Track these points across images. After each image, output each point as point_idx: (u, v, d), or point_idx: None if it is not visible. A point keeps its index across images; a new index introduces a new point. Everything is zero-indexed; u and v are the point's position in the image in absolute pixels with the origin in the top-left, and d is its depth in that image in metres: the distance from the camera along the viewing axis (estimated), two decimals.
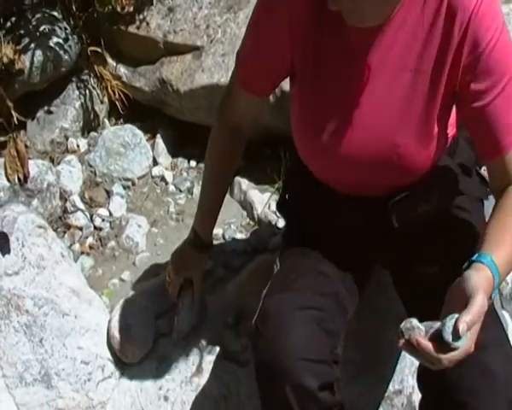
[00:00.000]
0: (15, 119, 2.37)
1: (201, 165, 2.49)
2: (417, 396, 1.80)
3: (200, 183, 2.37)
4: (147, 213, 2.36)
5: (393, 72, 1.39)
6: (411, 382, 1.81)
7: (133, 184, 2.46)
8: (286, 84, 1.78)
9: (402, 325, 1.17)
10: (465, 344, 1.15)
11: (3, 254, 1.94)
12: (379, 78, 1.40)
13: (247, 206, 2.32)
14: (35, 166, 2.31)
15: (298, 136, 1.55)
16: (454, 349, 1.14)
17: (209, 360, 1.88)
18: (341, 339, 1.50)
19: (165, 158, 2.53)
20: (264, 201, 2.31)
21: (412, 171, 1.47)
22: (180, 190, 2.43)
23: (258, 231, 2.19)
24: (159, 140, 2.55)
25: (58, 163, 2.47)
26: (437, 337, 1.14)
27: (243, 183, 2.37)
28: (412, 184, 1.50)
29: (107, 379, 1.89)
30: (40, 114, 2.59)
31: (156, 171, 2.49)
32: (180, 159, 2.53)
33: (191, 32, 2.53)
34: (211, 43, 2.49)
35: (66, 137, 2.57)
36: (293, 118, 1.54)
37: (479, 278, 1.20)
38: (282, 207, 1.85)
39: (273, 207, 2.27)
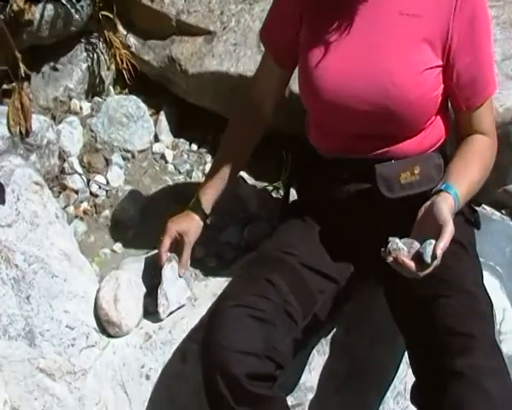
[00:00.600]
0: (22, 71, 2.31)
1: (202, 150, 2.48)
2: None
3: (200, 167, 2.40)
4: (144, 189, 2.33)
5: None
6: (392, 405, 1.84)
7: (133, 156, 2.42)
8: (294, 85, 1.83)
9: (389, 245, 1.46)
10: (437, 262, 1.44)
11: None
12: (372, 10, 1.61)
13: (245, 200, 2.31)
14: (36, 122, 2.25)
15: (302, 86, 1.72)
16: (429, 266, 1.45)
17: (194, 347, 1.86)
18: (286, 343, 1.59)
19: (166, 136, 2.50)
20: (262, 197, 2.30)
21: (405, 114, 1.60)
22: (179, 172, 2.40)
23: (253, 228, 2.18)
24: (162, 117, 2.52)
25: (59, 122, 2.42)
26: (417, 257, 1.45)
27: (243, 176, 2.35)
28: (399, 155, 1.66)
29: (91, 348, 1.86)
30: (45, 69, 2.54)
31: (157, 147, 2.46)
32: (182, 140, 2.51)
33: (205, 15, 2.51)
34: (223, 31, 2.47)
35: (70, 98, 2.52)
36: (299, 78, 1.74)
37: (447, 208, 1.48)
38: (283, 208, 1.95)
39: (270, 204, 2.27)
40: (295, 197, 2.00)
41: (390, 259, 1.46)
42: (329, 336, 1.88)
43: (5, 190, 1.91)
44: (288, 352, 1.61)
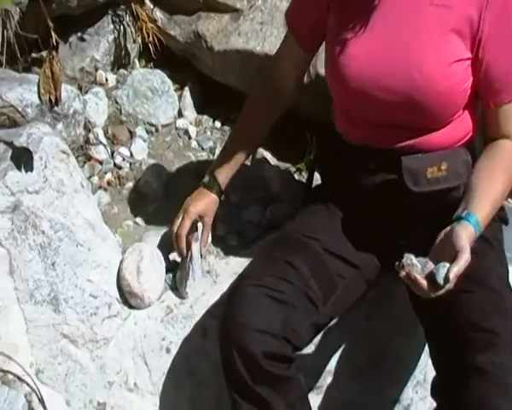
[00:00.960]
0: (54, 39, 2.32)
1: (226, 127, 2.49)
2: (415, 409, 1.86)
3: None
4: (167, 163, 2.34)
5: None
6: (411, 394, 1.86)
7: (157, 130, 2.43)
8: (321, 68, 1.83)
9: (403, 260, 1.46)
10: (450, 286, 1.44)
11: (26, 171, 1.91)
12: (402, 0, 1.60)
13: (267, 180, 2.31)
14: (63, 91, 2.22)
15: (329, 73, 1.72)
16: (441, 288, 1.44)
17: (214, 323, 1.88)
18: (304, 326, 1.60)
19: (190, 112, 2.51)
20: (284, 178, 2.31)
21: (431, 105, 1.59)
22: (202, 148, 2.41)
23: (275, 208, 2.19)
24: (186, 93, 2.52)
25: (85, 92, 2.42)
26: (430, 277, 1.44)
27: (266, 156, 2.36)
28: (426, 148, 1.65)
29: (113, 318, 1.88)
30: (73, 39, 2.54)
31: (181, 123, 2.47)
32: (205, 117, 2.52)
33: None
34: (250, 9, 2.47)
35: (96, 69, 2.52)
36: (326, 65, 1.74)
37: (466, 237, 1.47)
38: (307, 191, 1.96)
39: (292, 186, 2.28)
40: (318, 181, 2.00)
41: (403, 273, 1.46)
42: (349, 323, 1.90)
43: (33, 157, 1.92)
44: (306, 335, 1.62)
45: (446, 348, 1.54)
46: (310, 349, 1.81)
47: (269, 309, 1.56)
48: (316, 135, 2.24)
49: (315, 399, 1.88)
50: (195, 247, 1.87)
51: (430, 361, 1.74)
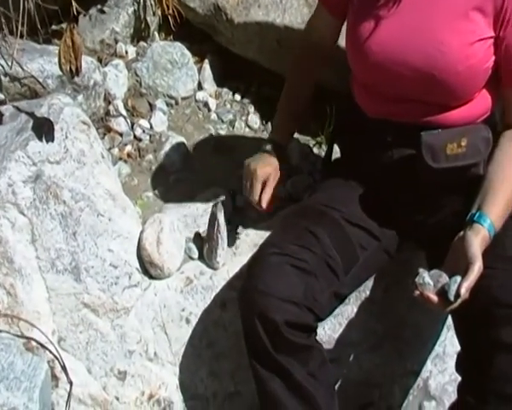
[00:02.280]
0: (74, 9, 2.32)
1: (245, 100, 2.48)
2: (434, 381, 1.87)
3: (243, 117, 2.40)
4: (186, 136, 2.34)
5: None
6: (430, 366, 1.86)
7: (176, 103, 2.43)
8: (341, 40, 1.82)
9: (416, 279, 1.46)
10: (464, 298, 1.43)
11: (47, 141, 1.92)
12: None
13: (287, 153, 2.31)
14: (84, 63, 2.22)
15: (349, 46, 1.70)
16: (453, 303, 1.43)
17: (234, 295, 1.88)
18: (325, 295, 1.59)
19: (210, 85, 2.50)
20: (304, 151, 2.31)
21: (452, 83, 1.57)
22: (222, 121, 2.41)
23: (295, 180, 2.19)
24: (206, 65, 2.52)
25: (105, 64, 2.42)
26: (442, 293, 1.43)
27: None
28: (446, 124, 1.62)
29: (133, 288, 1.89)
30: (93, 11, 2.54)
31: (200, 96, 2.47)
32: (225, 89, 2.51)
33: None
34: None
35: (116, 41, 2.52)
36: (347, 38, 1.72)
37: (478, 243, 1.45)
38: (326, 164, 1.94)
39: (312, 159, 2.28)
40: (338, 154, 2.00)
41: (416, 293, 1.46)
42: (369, 294, 1.90)
43: (54, 127, 1.93)
44: (327, 304, 1.62)
45: (470, 324, 1.53)
46: (329, 320, 1.81)
47: (291, 278, 1.56)
48: (335, 108, 2.23)
49: (334, 370, 1.88)
50: (221, 217, 1.87)
51: (449, 335, 1.75)
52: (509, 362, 1.43)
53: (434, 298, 1.43)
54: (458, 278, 1.42)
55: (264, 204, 1.80)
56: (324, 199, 1.74)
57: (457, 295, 1.41)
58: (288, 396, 1.56)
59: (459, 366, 1.59)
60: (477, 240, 1.46)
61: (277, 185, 1.83)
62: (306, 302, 1.55)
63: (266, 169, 1.81)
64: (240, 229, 2.00)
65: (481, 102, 1.65)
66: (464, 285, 1.40)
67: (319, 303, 1.58)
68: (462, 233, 1.49)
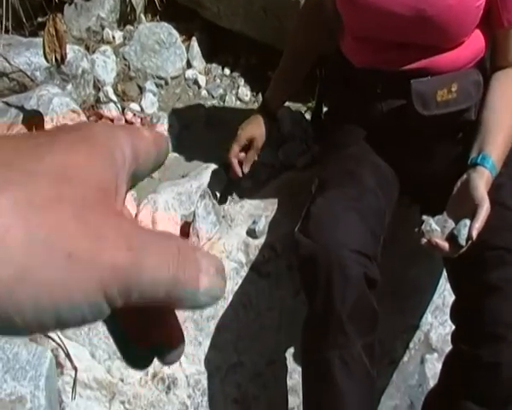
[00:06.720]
0: None
1: (235, 74, 2.49)
2: (435, 334, 1.87)
3: (233, 91, 2.41)
4: (177, 115, 2.35)
5: None
6: (430, 319, 1.86)
7: (166, 83, 2.45)
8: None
9: (422, 226, 1.43)
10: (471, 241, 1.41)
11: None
12: None
13: (278, 120, 2.32)
14: (71, 51, 2.27)
15: None
16: (464, 247, 1.41)
17: (231, 267, 1.91)
18: (381, 243, 1.58)
19: (199, 62, 2.51)
20: (295, 118, 2.31)
21: (443, 20, 1.54)
22: (212, 96, 2.42)
23: (287, 148, 2.20)
24: (194, 43, 2.52)
25: (93, 52, 2.44)
26: (451, 238, 1.41)
27: None
28: (436, 70, 1.60)
29: None
30: (77, 0, 2.56)
31: (190, 74, 2.48)
32: (214, 65, 2.52)
33: None
34: None
35: (102, 27, 2.54)
36: None
37: (483, 184, 1.44)
38: (316, 121, 1.96)
39: (304, 125, 2.28)
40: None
41: (424, 241, 1.43)
42: None
43: (44, 118, 1.95)
44: (380, 249, 1.60)
45: (461, 269, 1.53)
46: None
47: (360, 231, 1.54)
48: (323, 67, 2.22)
49: None
50: (201, 205, 1.91)
51: (448, 286, 1.74)
52: (500, 304, 1.43)
53: (444, 244, 1.42)
54: (468, 222, 1.41)
55: (246, 165, 1.89)
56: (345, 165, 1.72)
57: (468, 238, 1.40)
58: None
59: (452, 316, 1.60)
60: (482, 182, 1.45)
61: (255, 152, 1.89)
62: (374, 254, 1.54)
63: (248, 132, 1.88)
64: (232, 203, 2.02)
65: (472, 47, 1.63)
66: (476, 226, 1.39)
67: (378, 254, 1.58)
68: (465, 177, 1.48)
